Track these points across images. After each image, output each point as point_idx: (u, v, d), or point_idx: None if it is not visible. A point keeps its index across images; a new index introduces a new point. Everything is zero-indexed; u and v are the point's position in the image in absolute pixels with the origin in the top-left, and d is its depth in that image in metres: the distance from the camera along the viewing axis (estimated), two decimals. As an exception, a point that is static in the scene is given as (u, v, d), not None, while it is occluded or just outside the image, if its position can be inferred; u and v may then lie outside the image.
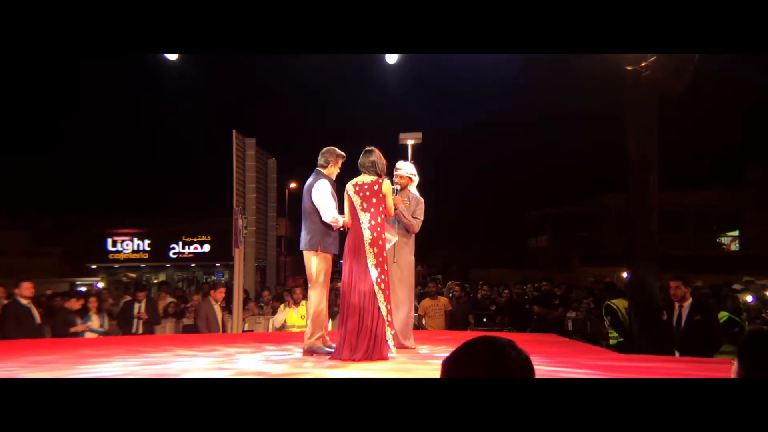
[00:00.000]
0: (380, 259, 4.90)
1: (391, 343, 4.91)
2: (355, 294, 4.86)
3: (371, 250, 4.89)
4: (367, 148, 5.12)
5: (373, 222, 4.95)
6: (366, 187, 5.01)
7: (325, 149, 5.33)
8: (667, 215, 19.78)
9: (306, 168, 5.47)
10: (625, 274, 10.99)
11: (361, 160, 5.10)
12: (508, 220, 30.83)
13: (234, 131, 11.11)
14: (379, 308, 4.82)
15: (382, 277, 4.89)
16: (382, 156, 5.10)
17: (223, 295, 8.87)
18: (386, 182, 5.04)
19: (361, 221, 4.97)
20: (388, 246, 5.20)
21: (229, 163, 10.88)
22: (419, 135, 9.87)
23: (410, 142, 9.76)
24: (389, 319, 4.89)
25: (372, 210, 4.97)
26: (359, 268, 4.89)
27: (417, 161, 6.54)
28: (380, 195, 4.98)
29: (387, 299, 4.90)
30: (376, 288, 4.84)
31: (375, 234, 4.93)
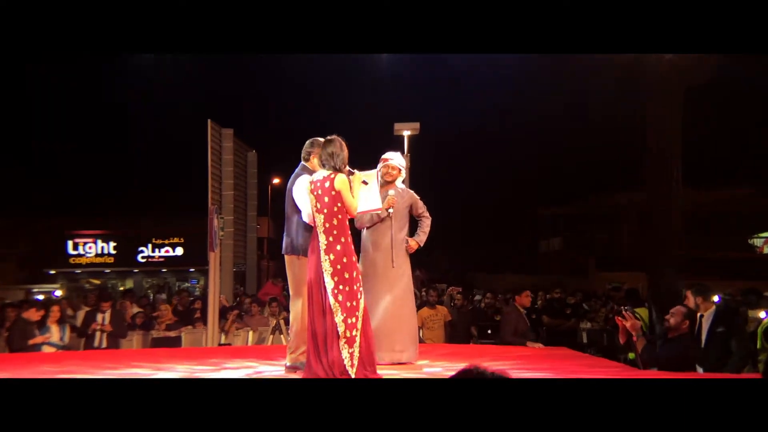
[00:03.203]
0: (338, 267, 4.61)
1: (347, 363, 4.56)
2: (311, 310, 4.69)
3: (326, 257, 4.62)
4: (328, 137, 4.85)
5: (327, 224, 4.66)
6: (318, 184, 4.73)
7: (309, 140, 5.32)
8: (693, 214, 19.85)
9: (290, 162, 5.43)
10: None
11: (320, 152, 4.88)
12: (517, 220, 30.82)
13: (209, 121, 11.09)
14: (335, 325, 4.57)
15: (340, 287, 4.60)
16: (344, 146, 4.80)
17: (530, 299, 8.61)
18: (339, 177, 4.67)
19: (316, 224, 4.74)
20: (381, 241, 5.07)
21: (203, 156, 10.86)
22: (416, 125, 9.84)
23: (406, 133, 9.74)
24: (348, 336, 4.57)
25: (326, 211, 4.67)
26: (315, 280, 4.68)
27: (414, 154, 6.53)
28: (332, 193, 4.66)
29: (349, 313, 4.60)
30: (332, 300, 4.58)
31: (331, 238, 4.64)
